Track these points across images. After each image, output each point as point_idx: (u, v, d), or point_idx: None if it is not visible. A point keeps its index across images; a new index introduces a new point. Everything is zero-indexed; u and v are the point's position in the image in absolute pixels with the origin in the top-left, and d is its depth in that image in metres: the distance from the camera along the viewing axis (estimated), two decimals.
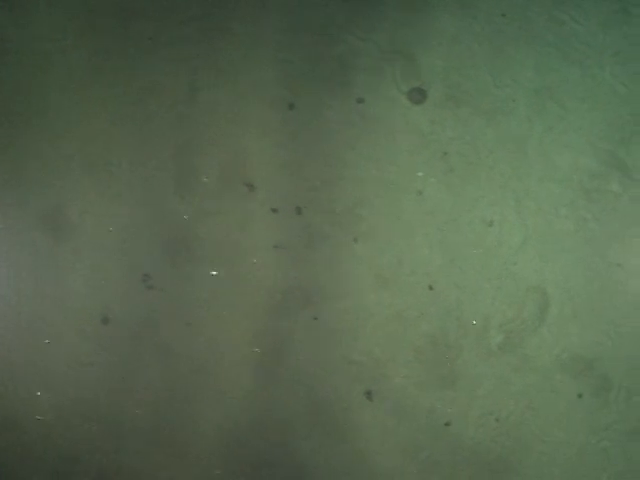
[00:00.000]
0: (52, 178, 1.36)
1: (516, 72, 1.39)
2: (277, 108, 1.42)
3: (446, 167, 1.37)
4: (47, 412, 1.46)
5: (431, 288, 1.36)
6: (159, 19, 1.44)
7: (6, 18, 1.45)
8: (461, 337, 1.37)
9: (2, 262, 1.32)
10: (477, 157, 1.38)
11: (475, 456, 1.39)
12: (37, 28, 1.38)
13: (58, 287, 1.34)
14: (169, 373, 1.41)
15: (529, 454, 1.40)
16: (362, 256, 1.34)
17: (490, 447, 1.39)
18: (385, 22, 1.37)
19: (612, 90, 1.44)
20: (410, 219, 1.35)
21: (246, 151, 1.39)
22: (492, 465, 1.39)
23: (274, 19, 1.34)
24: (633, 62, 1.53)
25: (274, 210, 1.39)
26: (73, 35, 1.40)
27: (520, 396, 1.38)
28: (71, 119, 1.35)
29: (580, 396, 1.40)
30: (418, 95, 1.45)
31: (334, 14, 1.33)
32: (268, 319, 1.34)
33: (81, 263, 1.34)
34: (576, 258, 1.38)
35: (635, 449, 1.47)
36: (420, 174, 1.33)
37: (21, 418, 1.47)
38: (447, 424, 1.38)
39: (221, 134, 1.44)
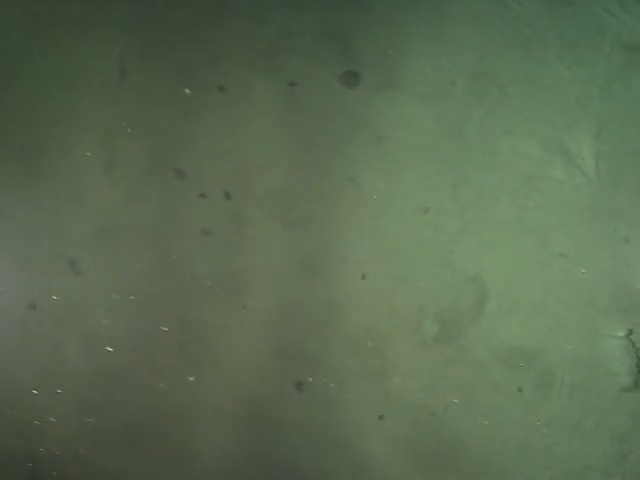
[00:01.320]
0: None
1: (455, 55, 1.30)
2: (207, 91, 1.28)
3: (380, 152, 1.27)
4: None
5: (363, 277, 1.27)
6: (88, 2, 1.41)
7: None
8: (394, 328, 1.27)
9: None
10: (413, 142, 1.28)
11: (409, 451, 1.30)
12: None
13: None
14: (93, 358, 1.46)
15: (466, 450, 1.30)
16: (292, 243, 1.26)
17: (425, 442, 1.30)
18: (318, 4, 1.28)
19: (556, 74, 1.31)
20: (342, 205, 1.27)
21: (175, 135, 1.27)
22: (427, 461, 1.30)
23: (203, 1, 1.27)
24: (578, 45, 1.38)
25: (202, 195, 1.26)
26: (2, 20, 1.33)
27: (457, 390, 1.29)
28: None
29: (520, 390, 1.30)
30: (351, 78, 1.29)
31: None
32: (196, 306, 1.26)
33: (7, 248, 1.30)
34: (517, 248, 1.29)
35: (578, 446, 1.32)
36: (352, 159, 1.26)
37: None
38: (380, 417, 1.28)
39: (150, 118, 1.29)
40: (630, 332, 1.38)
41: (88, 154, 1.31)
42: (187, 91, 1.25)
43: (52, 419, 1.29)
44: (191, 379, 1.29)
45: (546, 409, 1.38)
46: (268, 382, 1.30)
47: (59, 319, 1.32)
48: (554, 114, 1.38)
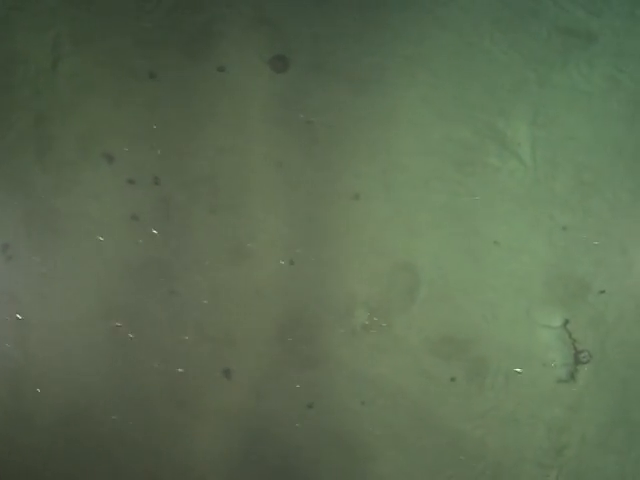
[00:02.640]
0: None
1: (388, 39, 1.23)
2: (137, 77, 1.20)
3: (310, 137, 1.21)
4: None
5: (292, 263, 1.21)
6: None
7: None
8: (324, 315, 1.22)
9: None
10: (343, 127, 1.22)
11: (339, 441, 1.24)
12: None
13: None
14: (23, 343, 1.33)
15: (397, 441, 1.24)
16: (219, 228, 1.21)
17: (355, 432, 1.24)
18: None
19: (491, 58, 1.23)
20: (270, 191, 1.22)
21: (105, 121, 1.21)
22: (357, 451, 1.24)
23: None
24: (514, 29, 1.24)
25: (131, 181, 1.21)
26: None
27: (388, 379, 1.23)
28: None
29: (453, 380, 1.23)
30: (281, 63, 1.20)
31: None
32: (125, 290, 1.22)
33: None
34: (449, 235, 1.23)
35: (513, 438, 1.25)
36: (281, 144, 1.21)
37: None
38: (310, 406, 1.22)
39: (81, 104, 1.22)
40: (566, 322, 1.34)
41: (20, 140, 1.31)
42: (118, 79, 1.25)
43: None
44: (119, 364, 1.28)
45: (480, 399, 1.34)
46: (196, 368, 1.28)
47: None
48: (489, 99, 1.35)
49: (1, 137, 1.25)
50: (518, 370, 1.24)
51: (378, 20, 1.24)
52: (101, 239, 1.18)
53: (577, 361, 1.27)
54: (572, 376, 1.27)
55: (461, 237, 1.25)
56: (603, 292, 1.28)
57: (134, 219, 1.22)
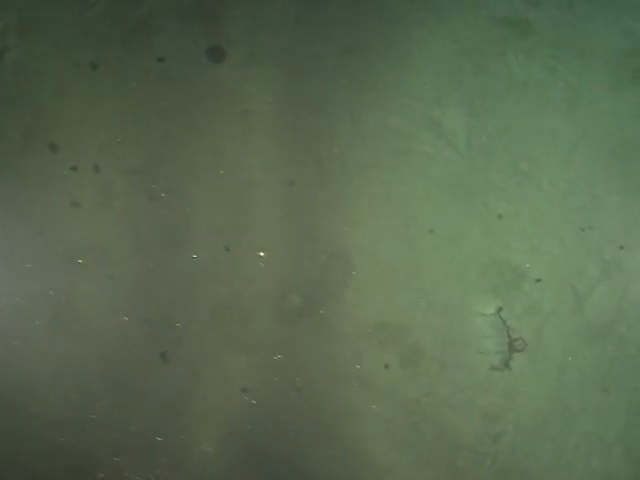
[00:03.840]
0: None
1: (325, 30, 1.21)
2: (80, 68, 1.19)
3: (246, 126, 1.20)
4: None
5: (228, 249, 1.19)
6: None
7: None
8: (258, 301, 1.20)
9: None
10: (279, 116, 1.20)
11: (270, 427, 1.22)
12: None
13: None
14: None
15: (332, 427, 1.22)
16: (157, 214, 1.20)
17: (291, 418, 1.22)
18: None
19: (429, 48, 1.21)
20: (206, 178, 1.20)
21: (49, 110, 1.22)
22: (292, 437, 1.22)
23: None
24: (453, 19, 1.22)
25: (74, 168, 1.20)
26: None
27: (322, 365, 1.21)
28: None
29: (387, 367, 1.21)
30: (218, 53, 1.19)
31: None
32: (65, 275, 1.21)
33: None
34: (384, 223, 1.21)
35: (448, 425, 1.22)
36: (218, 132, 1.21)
37: None
38: (244, 390, 1.21)
39: (26, 94, 1.22)
40: (500, 309, 1.33)
41: None
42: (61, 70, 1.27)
43: None
44: (59, 349, 1.30)
45: (414, 386, 1.29)
46: (133, 352, 1.29)
47: None
48: (425, 89, 1.34)
49: None
50: (444, 358, 1.25)
51: (313, 10, 1.25)
52: (46, 228, 1.20)
53: (512, 349, 1.27)
54: (507, 364, 1.27)
55: (396, 225, 1.25)
56: (539, 281, 1.27)
57: (75, 205, 1.24)
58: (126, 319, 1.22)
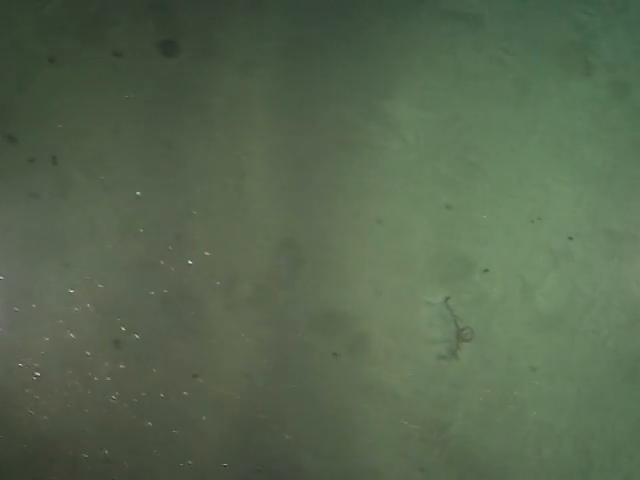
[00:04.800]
0: None
1: (275, 24, 1.23)
2: (38, 62, 1.23)
3: (199, 119, 1.22)
4: None
5: (178, 238, 1.21)
6: None
7: None
8: (209, 289, 1.22)
9: None
10: (232, 109, 1.22)
11: (226, 413, 1.23)
12: None
13: None
14: None
15: (283, 414, 1.24)
16: (110, 204, 1.22)
17: (242, 404, 1.23)
18: None
19: (379, 41, 1.23)
20: (160, 169, 1.22)
21: (8, 104, 1.24)
22: (243, 423, 1.24)
23: None
24: (399, 11, 1.24)
25: (32, 160, 1.22)
26: None
27: (272, 353, 1.22)
28: None
29: (336, 355, 1.22)
30: (171, 48, 1.22)
31: None
32: (22, 263, 1.23)
33: None
34: (333, 213, 1.22)
35: (397, 413, 1.23)
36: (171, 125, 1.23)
37: None
38: (195, 376, 1.22)
39: None
40: (447, 299, 1.34)
41: None
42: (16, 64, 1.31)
43: None
44: (13, 335, 1.33)
45: (363, 374, 1.27)
46: (87, 337, 1.32)
47: None
48: (375, 81, 1.36)
49: None
50: (392, 347, 1.26)
51: (266, 5, 1.27)
52: (4, 219, 1.24)
53: (459, 338, 1.27)
54: (454, 353, 1.28)
55: (345, 216, 1.26)
56: (487, 271, 1.28)
57: (33, 197, 1.27)
58: (81, 305, 1.24)
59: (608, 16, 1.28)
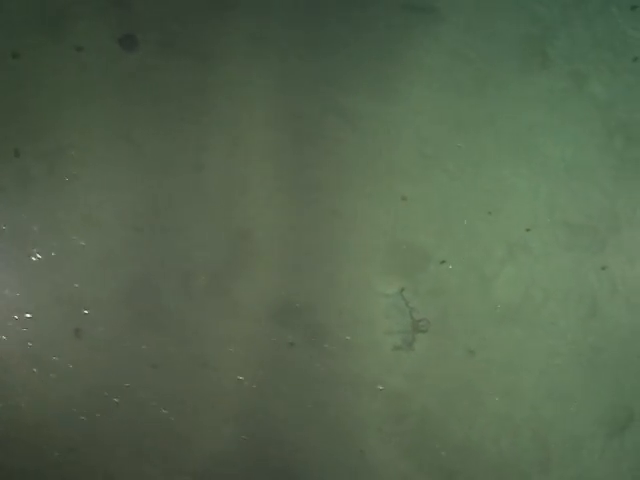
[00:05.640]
0: None
1: (235, 18, 1.24)
2: (2, 57, 1.25)
3: (158, 112, 1.23)
4: None
5: (139, 230, 1.23)
6: None
7: None
8: (168, 280, 1.23)
9: None
10: (192, 102, 1.23)
11: (183, 401, 1.25)
12: None
13: None
14: None
15: (237, 403, 1.25)
16: (72, 196, 1.23)
17: (197, 392, 1.25)
18: None
19: (337, 35, 1.24)
20: (121, 162, 1.24)
21: None
22: (197, 411, 1.26)
23: None
24: (357, 3, 1.25)
25: None
26: None
27: (228, 342, 1.23)
28: None
29: (292, 345, 1.23)
30: (131, 42, 1.23)
31: None
32: None
33: None
34: (290, 204, 1.23)
35: (353, 404, 1.23)
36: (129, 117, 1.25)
37: None
38: (154, 366, 1.23)
39: None
40: (402, 290, 1.34)
41: None
42: None
43: None
44: None
45: (319, 365, 1.26)
46: (49, 327, 1.34)
47: None
48: (331, 74, 1.36)
49: None
50: (348, 338, 1.26)
51: (224, 0, 1.29)
52: None
53: (415, 329, 1.28)
54: (410, 344, 1.28)
55: (300, 206, 1.27)
56: (444, 262, 1.28)
57: None
58: (43, 296, 1.26)
59: (566, 8, 1.28)
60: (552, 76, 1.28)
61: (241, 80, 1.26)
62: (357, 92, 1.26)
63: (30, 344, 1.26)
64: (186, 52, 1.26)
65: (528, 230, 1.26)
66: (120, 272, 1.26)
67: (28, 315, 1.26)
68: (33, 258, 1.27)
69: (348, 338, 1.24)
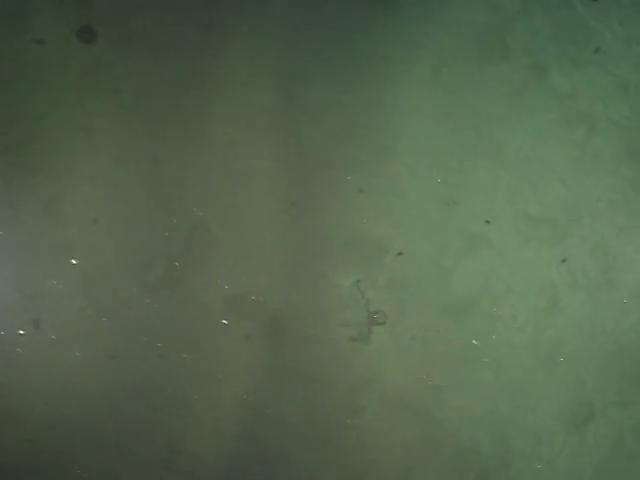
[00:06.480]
0: None
1: (188, 8, 1.25)
2: None
3: (116, 104, 1.23)
4: None
5: (95, 221, 1.23)
6: None
7: None
8: (124, 270, 1.23)
9: None
10: (148, 94, 1.23)
11: (141, 392, 1.24)
12: None
13: None
14: None
15: (195, 393, 1.24)
16: (31, 188, 1.24)
17: (156, 383, 1.24)
18: None
19: (291, 26, 1.24)
20: (78, 154, 1.24)
21: None
22: (156, 402, 1.25)
23: None
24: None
25: None
26: None
27: (185, 333, 1.23)
28: None
29: (249, 338, 1.22)
30: (89, 35, 1.23)
31: None
32: None
33: None
34: (246, 196, 1.23)
35: (312, 397, 1.23)
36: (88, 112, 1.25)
37: None
38: (112, 357, 1.23)
39: None
40: (358, 282, 1.32)
41: None
42: None
43: None
44: None
45: (276, 358, 1.25)
46: (8, 319, 1.35)
47: None
48: (288, 65, 1.33)
49: None
50: (304, 330, 1.25)
51: None
52: None
53: (372, 322, 1.27)
54: (367, 337, 1.27)
55: (258, 198, 1.26)
56: (401, 254, 1.27)
57: None
58: (2, 287, 1.26)
59: None
60: (512, 67, 1.27)
61: (196, 72, 1.26)
62: (315, 83, 1.25)
63: None
64: (143, 44, 1.26)
65: (487, 222, 1.24)
66: (79, 261, 1.25)
67: None
68: None
69: (304, 330, 1.23)
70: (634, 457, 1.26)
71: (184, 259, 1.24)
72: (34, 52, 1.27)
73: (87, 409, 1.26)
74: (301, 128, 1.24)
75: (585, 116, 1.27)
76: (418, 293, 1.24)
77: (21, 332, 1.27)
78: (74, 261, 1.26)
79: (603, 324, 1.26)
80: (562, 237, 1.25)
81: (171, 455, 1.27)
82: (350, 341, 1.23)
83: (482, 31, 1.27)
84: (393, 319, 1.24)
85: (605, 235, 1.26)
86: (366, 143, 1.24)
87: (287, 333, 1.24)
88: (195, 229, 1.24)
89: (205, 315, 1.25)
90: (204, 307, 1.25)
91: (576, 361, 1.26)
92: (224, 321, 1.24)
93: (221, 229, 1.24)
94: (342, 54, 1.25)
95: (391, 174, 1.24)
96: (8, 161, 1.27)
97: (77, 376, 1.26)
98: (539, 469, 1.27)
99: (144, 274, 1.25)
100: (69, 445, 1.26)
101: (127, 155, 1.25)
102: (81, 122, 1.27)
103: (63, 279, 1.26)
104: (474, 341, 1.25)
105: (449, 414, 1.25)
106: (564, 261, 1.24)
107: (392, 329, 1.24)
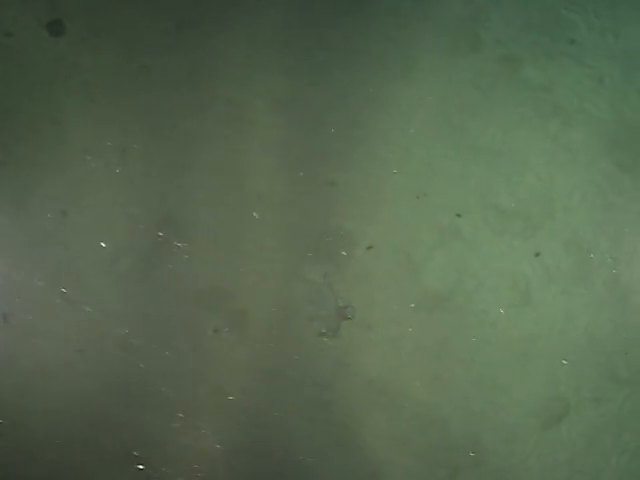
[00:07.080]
0: None
1: (162, 3, 1.25)
2: None
3: (86, 98, 1.24)
4: None
5: (64, 214, 1.23)
6: None
7: None
8: (91, 264, 1.23)
9: None
10: (116, 87, 1.24)
11: (108, 384, 1.25)
12: None
13: None
14: None
15: (160, 387, 1.24)
16: (3, 180, 1.25)
17: (124, 378, 1.24)
18: None
19: (262, 17, 1.24)
20: (47, 147, 1.24)
21: None
22: (123, 396, 1.24)
23: None
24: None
25: None
26: None
27: (155, 327, 1.23)
28: None
29: (216, 331, 1.22)
30: (58, 28, 1.23)
31: None
32: None
33: None
34: (214, 188, 1.23)
35: (280, 391, 1.23)
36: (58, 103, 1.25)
37: None
38: (80, 350, 1.22)
39: None
40: (326, 275, 1.29)
41: None
42: None
43: None
44: None
45: (244, 351, 1.24)
46: None
47: None
48: (255, 55, 1.30)
49: None
50: (271, 324, 1.24)
51: None
52: None
53: (341, 316, 1.25)
54: (336, 331, 1.25)
55: (225, 191, 1.25)
56: (371, 248, 1.25)
57: None
58: None
59: None
60: (484, 59, 1.25)
61: (165, 64, 1.25)
62: (285, 75, 1.24)
63: None
64: (110, 37, 1.26)
65: (459, 215, 1.22)
66: (48, 254, 1.25)
67: None
68: None
69: (272, 324, 1.22)
70: (609, 454, 1.24)
71: (150, 252, 1.23)
72: (2, 45, 1.27)
73: (55, 403, 1.25)
74: (270, 120, 1.23)
75: (559, 108, 1.24)
76: (388, 287, 1.22)
77: None
78: (42, 254, 1.25)
79: (577, 319, 1.24)
80: (535, 231, 1.23)
81: (142, 450, 1.26)
82: (319, 335, 1.21)
83: (453, 22, 1.25)
84: (362, 313, 1.22)
85: (579, 229, 1.24)
86: (337, 135, 1.23)
87: (254, 326, 1.23)
88: (163, 222, 1.23)
89: (173, 308, 1.23)
90: (173, 300, 1.24)
91: (550, 357, 1.24)
92: (192, 314, 1.22)
93: (188, 222, 1.23)
94: (312, 46, 1.24)
95: (361, 166, 1.23)
96: None
97: (45, 369, 1.25)
98: (512, 466, 1.25)
99: (113, 267, 1.24)
100: (36, 440, 1.25)
101: (96, 148, 1.24)
102: (51, 114, 1.26)
103: (31, 272, 1.26)
104: (444, 336, 1.23)
105: (419, 410, 1.23)
106: (537, 255, 1.22)
107: (361, 323, 1.22)
